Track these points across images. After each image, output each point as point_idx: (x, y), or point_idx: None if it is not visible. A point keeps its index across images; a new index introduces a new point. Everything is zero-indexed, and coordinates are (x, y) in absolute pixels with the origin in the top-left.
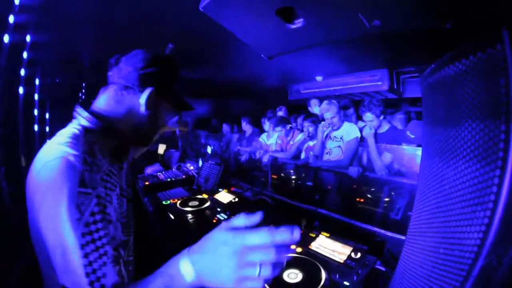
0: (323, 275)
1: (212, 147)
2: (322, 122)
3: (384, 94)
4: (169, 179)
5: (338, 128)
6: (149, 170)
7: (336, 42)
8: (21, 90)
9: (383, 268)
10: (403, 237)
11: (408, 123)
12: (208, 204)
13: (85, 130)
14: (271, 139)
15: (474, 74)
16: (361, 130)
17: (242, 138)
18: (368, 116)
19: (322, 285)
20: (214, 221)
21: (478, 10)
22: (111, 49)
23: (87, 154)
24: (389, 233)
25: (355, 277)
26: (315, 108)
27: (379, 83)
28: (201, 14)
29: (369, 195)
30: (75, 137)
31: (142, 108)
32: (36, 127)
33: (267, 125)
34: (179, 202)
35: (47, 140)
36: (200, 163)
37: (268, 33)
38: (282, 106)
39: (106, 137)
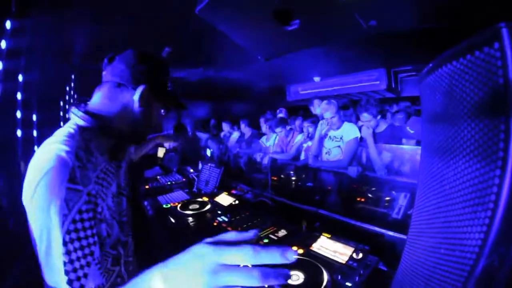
0: (325, 276)
1: (211, 150)
2: (321, 121)
3: (382, 93)
4: (169, 183)
5: (338, 128)
6: (149, 173)
7: (333, 43)
8: (19, 96)
9: (385, 268)
10: (404, 237)
11: (408, 121)
12: (208, 207)
13: (80, 128)
14: (270, 141)
15: (472, 73)
16: (359, 129)
17: (241, 140)
18: (365, 116)
19: (324, 287)
20: (215, 224)
21: (475, 9)
22: (104, 40)
23: (82, 150)
24: (390, 233)
25: (357, 278)
26: (317, 108)
27: (377, 82)
28: (198, 17)
29: (369, 195)
30: (70, 136)
31: (136, 105)
32: (35, 133)
33: (264, 126)
34: (179, 205)
35: (35, 146)
36: (200, 166)
37: (264, 35)
38: (282, 108)
39: (102, 135)
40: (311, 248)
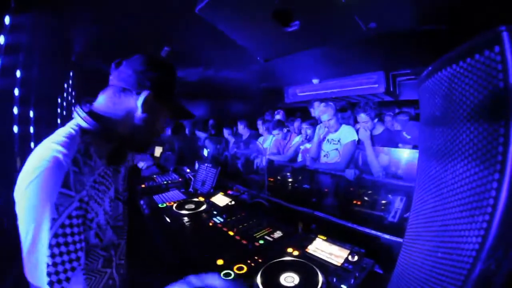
0: (320, 278)
1: (208, 150)
2: (319, 124)
3: (380, 96)
4: (165, 182)
5: (335, 131)
6: (145, 172)
7: (332, 45)
8: (16, 92)
9: (380, 271)
10: (400, 240)
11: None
12: (204, 207)
13: (82, 130)
14: (267, 142)
15: (472, 77)
16: (357, 131)
17: (239, 141)
18: (362, 117)
19: None
20: (210, 224)
21: (474, 11)
22: (104, 39)
23: (81, 154)
24: (386, 236)
25: (352, 281)
26: (317, 110)
27: (376, 85)
28: (197, 17)
29: (366, 198)
30: (70, 137)
31: (139, 111)
32: (31, 129)
33: (261, 128)
34: (175, 205)
35: (31, 142)
36: (197, 166)
37: (263, 36)
38: (280, 110)
39: (103, 139)
40: (306, 250)
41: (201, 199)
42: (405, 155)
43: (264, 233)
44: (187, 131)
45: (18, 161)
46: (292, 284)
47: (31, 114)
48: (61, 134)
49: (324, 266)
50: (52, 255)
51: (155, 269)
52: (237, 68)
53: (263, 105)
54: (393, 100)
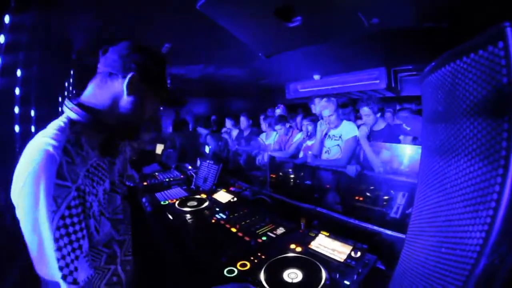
0: (324, 274)
1: (210, 147)
2: (320, 121)
3: (382, 92)
4: (167, 179)
5: (336, 127)
6: (147, 170)
7: (334, 41)
8: (17, 91)
9: (383, 267)
10: (403, 236)
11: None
12: (206, 204)
13: (71, 122)
14: (270, 139)
15: (476, 72)
16: (358, 127)
17: (240, 137)
18: (365, 110)
19: (323, 285)
20: (213, 221)
21: (475, 9)
22: (104, 37)
23: (70, 144)
24: (388, 232)
25: (355, 276)
26: (317, 107)
27: (377, 81)
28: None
29: (368, 194)
30: (60, 129)
31: (125, 94)
32: (33, 128)
33: (264, 124)
34: (177, 202)
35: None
36: (198, 162)
37: (265, 32)
38: (281, 104)
39: (93, 129)
40: (309, 246)
41: (203, 196)
42: (407, 150)
43: (266, 230)
44: (190, 128)
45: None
46: (295, 281)
47: (32, 113)
48: (51, 127)
49: (327, 262)
50: (59, 248)
51: (158, 267)
52: (238, 64)
53: (264, 102)
54: (394, 96)
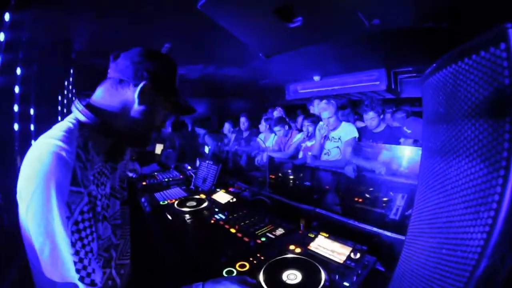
0: (323, 275)
1: (209, 147)
2: (320, 123)
3: (381, 94)
4: (166, 179)
5: (335, 128)
6: (146, 170)
7: (335, 41)
8: (17, 89)
9: (382, 269)
10: (402, 237)
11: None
12: (205, 204)
13: (80, 124)
14: (269, 141)
15: (477, 74)
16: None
17: (239, 138)
18: (370, 114)
19: (322, 286)
20: (212, 221)
21: (475, 11)
22: (104, 36)
23: (81, 149)
24: (388, 233)
25: (355, 278)
26: (316, 108)
27: (377, 83)
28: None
29: (367, 195)
30: (69, 131)
31: (136, 103)
32: (32, 127)
33: (263, 125)
34: (176, 202)
35: (32, 140)
36: (198, 163)
37: (265, 32)
38: (278, 106)
39: (101, 134)
40: (308, 247)
41: (203, 196)
42: (407, 152)
43: (266, 230)
44: (189, 129)
45: (18, 159)
46: (295, 282)
47: (31, 111)
48: (59, 128)
49: (327, 263)
50: (76, 252)
51: (157, 268)
52: (238, 65)
53: (264, 102)
54: (394, 97)
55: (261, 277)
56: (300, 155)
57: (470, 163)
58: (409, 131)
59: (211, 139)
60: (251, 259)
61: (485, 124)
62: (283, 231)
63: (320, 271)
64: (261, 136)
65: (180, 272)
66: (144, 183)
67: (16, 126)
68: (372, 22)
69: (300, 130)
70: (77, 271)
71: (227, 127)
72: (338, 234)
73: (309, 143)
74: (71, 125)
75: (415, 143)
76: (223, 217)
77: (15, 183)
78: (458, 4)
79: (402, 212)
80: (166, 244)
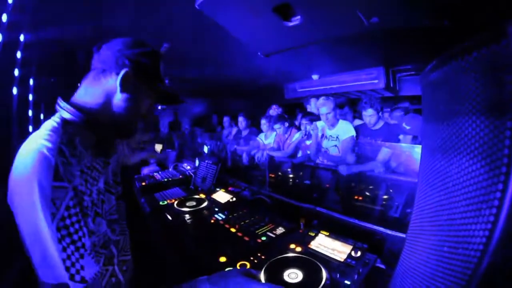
0: (324, 274)
1: (208, 147)
2: (314, 123)
3: (380, 92)
4: (165, 179)
5: (332, 125)
6: (145, 170)
7: (334, 40)
8: (15, 90)
9: (383, 266)
10: (402, 235)
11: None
12: (205, 204)
13: (64, 122)
14: (269, 139)
15: (478, 71)
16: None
17: (239, 137)
18: (369, 111)
19: (323, 285)
20: (212, 221)
21: (475, 9)
22: (103, 36)
23: (65, 145)
24: (388, 231)
25: (356, 276)
26: (313, 107)
27: (376, 81)
28: (197, 11)
29: (367, 193)
30: (53, 130)
31: (118, 90)
32: (30, 128)
33: (264, 126)
34: (176, 202)
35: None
36: (197, 162)
37: (264, 31)
38: (273, 105)
39: (87, 129)
40: (309, 246)
41: (202, 196)
42: (406, 149)
43: (266, 230)
44: (187, 127)
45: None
46: (296, 281)
47: (29, 113)
48: (45, 128)
49: (327, 262)
50: (63, 249)
51: (157, 267)
52: (237, 64)
53: (263, 102)
54: (392, 95)
55: (262, 276)
56: (299, 154)
57: (471, 160)
58: (408, 127)
59: (209, 138)
60: (251, 258)
61: (486, 121)
62: (284, 230)
63: (321, 269)
64: (261, 135)
65: (181, 271)
66: (143, 183)
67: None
68: (371, 20)
69: (300, 129)
70: (67, 269)
71: (226, 121)
72: (338, 232)
73: (308, 142)
74: (55, 123)
75: (414, 140)
76: (223, 216)
77: None
78: (458, 2)
79: (402, 210)
80: (166, 244)
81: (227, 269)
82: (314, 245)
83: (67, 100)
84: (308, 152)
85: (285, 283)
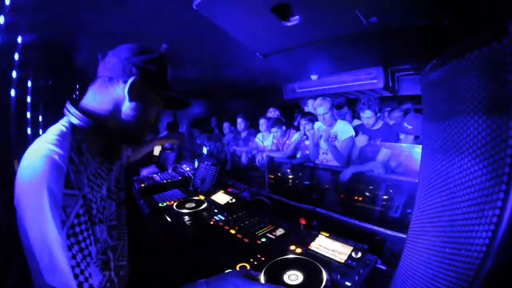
0: (324, 276)
1: (208, 148)
2: (310, 124)
3: (379, 92)
4: (165, 181)
5: (330, 125)
6: (144, 172)
7: (332, 40)
8: (13, 92)
9: (384, 267)
10: (403, 235)
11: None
12: (205, 205)
13: (73, 127)
14: (267, 141)
15: (480, 69)
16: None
17: (238, 138)
18: (367, 113)
19: (324, 286)
20: (212, 222)
21: (476, 7)
22: (104, 48)
23: (74, 152)
24: (388, 232)
25: (356, 277)
26: (311, 108)
27: (375, 81)
28: (195, 12)
29: (367, 193)
30: (62, 135)
31: (127, 99)
32: (29, 130)
33: (263, 126)
34: (175, 204)
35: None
36: (196, 164)
37: (262, 31)
38: (270, 108)
39: (95, 136)
40: (309, 247)
41: (202, 197)
42: (405, 149)
43: (266, 231)
44: (184, 129)
45: (16, 163)
46: (296, 282)
47: (40, 118)
48: (52, 132)
49: (328, 263)
50: (73, 257)
51: (156, 270)
52: (235, 64)
53: (261, 102)
54: (391, 95)
55: (262, 278)
56: (299, 154)
57: (473, 160)
58: (409, 127)
59: (209, 141)
60: (251, 260)
61: (488, 120)
62: (283, 231)
63: (321, 271)
64: (259, 136)
65: (180, 273)
66: (142, 185)
67: (29, 130)
68: (370, 20)
69: (299, 129)
70: (75, 276)
71: (226, 127)
72: (338, 233)
73: (307, 142)
74: (64, 128)
75: (416, 140)
76: (223, 218)
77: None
78: (458, 1)
79: (403, 210)
80: (166, 246)
81: (226, 271)
82: (314, 246)
83: (75, 105)
84: (307, 152)
85: (286, 284)
